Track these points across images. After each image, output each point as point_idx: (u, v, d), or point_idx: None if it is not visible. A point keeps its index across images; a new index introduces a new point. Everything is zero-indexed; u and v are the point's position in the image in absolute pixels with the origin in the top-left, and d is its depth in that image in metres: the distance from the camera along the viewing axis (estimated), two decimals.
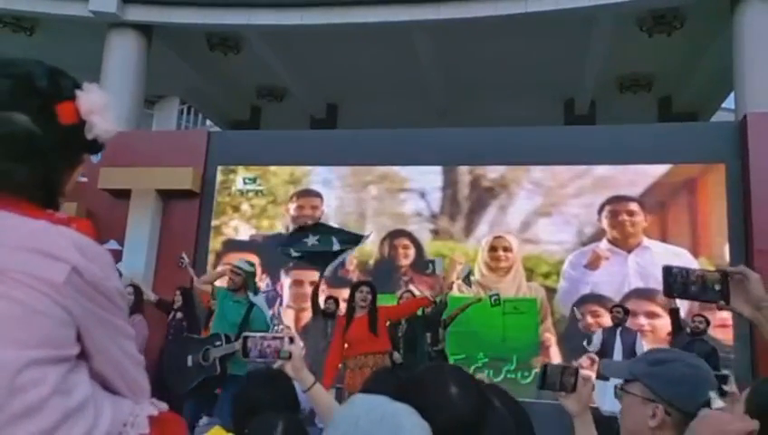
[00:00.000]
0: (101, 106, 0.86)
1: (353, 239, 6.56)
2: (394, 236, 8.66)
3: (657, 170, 8.14)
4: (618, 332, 6.73)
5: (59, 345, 0.75)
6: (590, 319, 7.73)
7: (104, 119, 0.85)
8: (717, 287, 1.33)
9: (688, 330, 6.44)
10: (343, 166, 8.87)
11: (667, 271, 1.38)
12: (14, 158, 0.80)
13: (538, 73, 10.86)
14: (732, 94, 9.73)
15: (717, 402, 1.41)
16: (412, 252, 8.58)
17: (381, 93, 11.93)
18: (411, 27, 9.63)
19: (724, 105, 11.99)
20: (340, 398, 6.09)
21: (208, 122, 15.87)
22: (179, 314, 7.19)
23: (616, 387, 1.57)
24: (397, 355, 6.05)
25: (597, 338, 6.87)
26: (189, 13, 9.96)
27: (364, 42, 10.23)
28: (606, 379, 5.23)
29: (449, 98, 12.00)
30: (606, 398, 5.59)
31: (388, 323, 5.82)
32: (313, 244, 6.39)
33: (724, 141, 7.99)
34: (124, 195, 8.61)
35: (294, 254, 6.53)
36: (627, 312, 6.85)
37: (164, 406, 0.89)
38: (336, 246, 6.36)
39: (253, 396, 2.03)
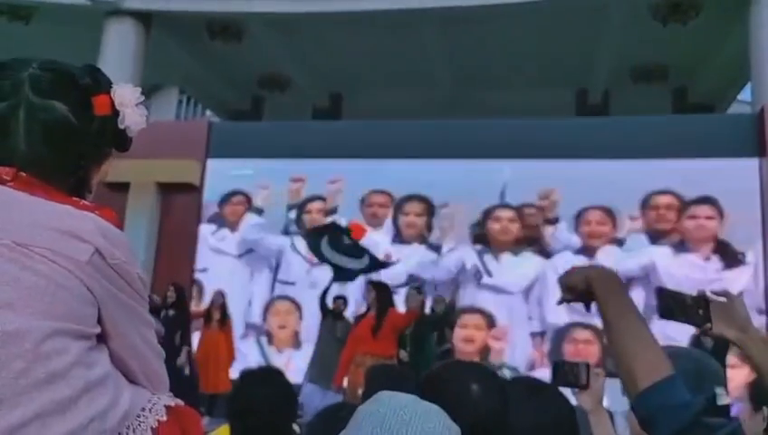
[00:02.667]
0: (134, 100, 0.93)
1: (373, 265, 6.52)
2: None
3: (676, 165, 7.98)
4: None
5: (81, 321, 0.77)
6: None
7: (135, 112, 0.92)
8: (700, 312, 1.33)
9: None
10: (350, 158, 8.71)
11: (660, 294, 1.39)
12: (49, 143, 0.85)
13: (549, 63, 10.75)
14: (748, 85, 9.55)
15: (724, 398, 1.40)
16: None
17: (387, 83, 11.81)
18: (419, 15, 9.48)
19: (739, 97, 11.83)
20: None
21: (208, 113, 15.75)
22: (171, 312, 7.00)
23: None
24: (403, 353, 6.13)
25: None
26: (189, 0, 9.82)
27: (370, 29, 10.10)
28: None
29: (458, 88, 11.87)
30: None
31: (396, 329, 5.89)
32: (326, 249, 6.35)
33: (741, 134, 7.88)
34: (122, 188, 8.46)
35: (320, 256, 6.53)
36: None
37: (180, 401, 0.91)
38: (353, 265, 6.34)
39: (249, 395, 2.01)
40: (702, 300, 1.33)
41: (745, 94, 10.60)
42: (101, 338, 0.81)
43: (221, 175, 9.05)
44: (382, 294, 5.97)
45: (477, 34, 10.07)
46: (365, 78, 11.87)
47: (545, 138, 8.34)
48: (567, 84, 11.71)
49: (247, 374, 2.17)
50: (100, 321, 0.80)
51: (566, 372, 1.75)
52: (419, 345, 6.28)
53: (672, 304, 1.36)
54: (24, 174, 0.82)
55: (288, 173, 8.84)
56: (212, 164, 9.08)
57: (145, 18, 10.00)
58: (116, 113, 0.91)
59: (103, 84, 0.91)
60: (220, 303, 7.46)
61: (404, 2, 9.23)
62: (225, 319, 7.45)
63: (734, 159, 7.81)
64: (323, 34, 10.44)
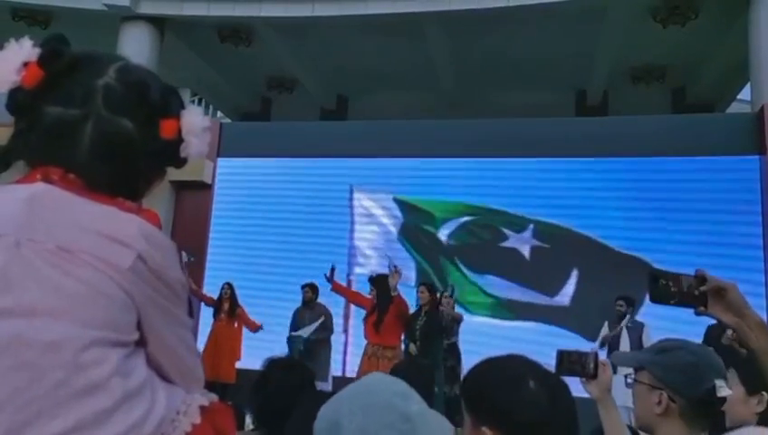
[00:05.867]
0: (201, 128, 0.89)
1: None
2: None
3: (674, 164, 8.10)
4: (623, 324, 6.59)
5: (120, 329, 0.76)
6: None
7: (200, 141, 0.89)
8: (697, 293, 1.31)
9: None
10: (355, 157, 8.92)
11: (653, 277, 1.37)
12: (111, 160, 0.83)
13: (550, 64, 10.82)
14: (747, 85, 9.62)
15: (724, 390, 1.44)
16: None
17: (392, 85, 11.94)
18: (422, 18, 9.62)
19: (739, 97, 11.86)
20: (340, 385, 6.29)
21: (219, 114, 15.94)
22: None
23: (626, 376, 1.62)
24: (413, 347, 6.31)
25: (603, 331, 6.76)
26: (201, 5, 10.02)
27: (375, 33, 10.23)
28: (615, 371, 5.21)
29: (460, 89, 11.96)
30: (617, 392, 5.50)
31: (399, 316, 6.12)
32: None
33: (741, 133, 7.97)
34: None
35: None
36: (631, 303, 6.63)
37: (214, 397, 0.89)
38: None
39: (273, 384, 2.06)
40: (700, 280, 1.31)
41: (744, 94, 10.63)
42: (139, 342, 0.80)
43: (232, 173, 9.31)
44: (381, 289, 6.14)
45: (479, 37, 10.17)
46: (370, 80, 11.97)
47: (546, 136, 8.48)
48: (567, 85, 11.75)
49: (273, 362, 2.22)
50: (138, 325, 0.79)
51: (572, 361, 1.74)
52: (429, 340, 6.43)
53: (663, 287, 1.34)
54: (71, 175, 0.81)
55: (295, 171, 9.10)
56: (223, 163, 9.34)
57: (159, 23, 10.17)
58: (181, 139, 0.88)
59: (174, 108, 0.88)
60: (228, 295, 7.59)
61: (409, 6, 9.33)
62: (233, 311, 7.57)
63: (734, 157, 7.93)
64: (330, 38, 10.56)
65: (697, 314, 1.31)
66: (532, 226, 8.35)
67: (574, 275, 8.08)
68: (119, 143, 0.83)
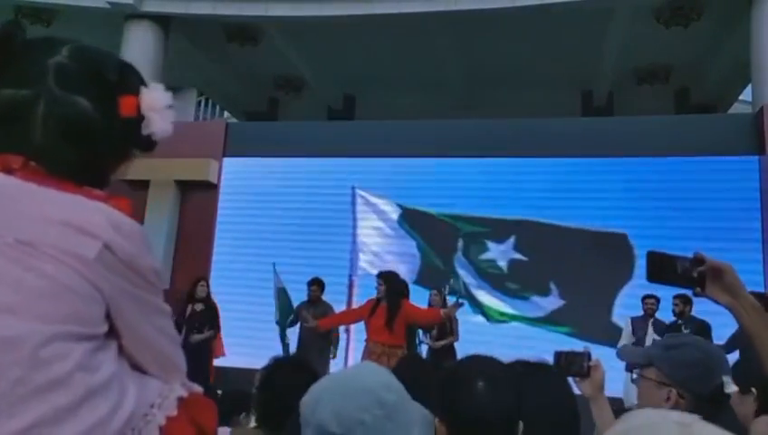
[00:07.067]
0: (163, 106, 0.86)
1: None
2: None
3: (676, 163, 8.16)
4: (650, 322, 6.53)
5: (85, 323, 0.73)
6: None
7: (162, 118, 0.86)
8: (694, 274, 1.33)
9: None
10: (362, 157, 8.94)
11: (651, 256, 1.39)
12: (67, 139, 0.80)
13: (556, 65, 10.87)
14: (749, 86, 9.68)
15: (731, 387, 1.46)
16: None
17: (399, 85, 11.98)
18: (429, 19, 9.64)
19: (741, 97, 11.93)
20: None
21: (226, 114, 15.97)
22: (200, 306, 7.02)
23: (632, 372, 1.65)
24: None
25: (626, 330, 6.67)
26: (207, 4, 10.00)
27: (382, 33, 10.27)
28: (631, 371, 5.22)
29: (466, 90, 12.03)
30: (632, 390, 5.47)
31: (408, 323, 6.04)
32: None
33: (741, 133, 8.02)
34: (142, 186, 8.64)
35: None
36: (659, 301, 6.59)
37: (197, 388, 0.87)
38: None
39: (278, 384, 2.06)
40: (698, 261, 1.32)
41: (746, 95, 10.69)
42: (110, 334, 0.77)
43: (237, 173, 9.35)
44: (392, 286, 6.03)
45: (486, 38, 10.20)
46: (378, 80, 11.99)
47: (553, 136, 8.51)
48: (573, 86, 11.81)
49: (278, 362, 2.21)
50: (108, 316, 0.76)
51: (567, 361, 1.76)
52: (411, 337, 6.46)
53: (661, 266, 1.36)
54: (33, 163, 0.77)
55: (302, 171, 9.13)
56: (229, 163, 9.33)
57: (164, 22, 10.13)
58: (142, 117, 0.85)
59: (132, 85, 0.86)
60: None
61: (415, 6, 9.35)
62: None
63: (734, 157, 7.95)
64: (337, 38, 10.58)
65: (695, 295, 1.33)
66: (536, 226, 8.37)
67: (582, 275, 8.11)
68: (75, 122, 0.80)
